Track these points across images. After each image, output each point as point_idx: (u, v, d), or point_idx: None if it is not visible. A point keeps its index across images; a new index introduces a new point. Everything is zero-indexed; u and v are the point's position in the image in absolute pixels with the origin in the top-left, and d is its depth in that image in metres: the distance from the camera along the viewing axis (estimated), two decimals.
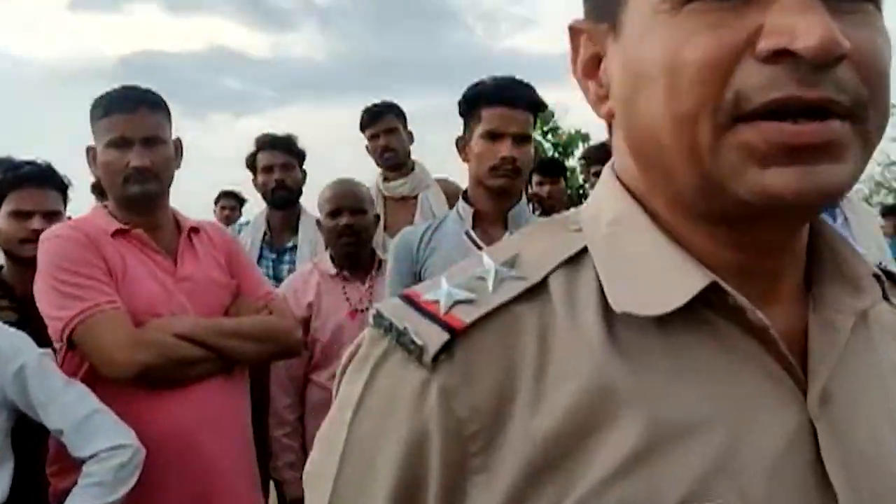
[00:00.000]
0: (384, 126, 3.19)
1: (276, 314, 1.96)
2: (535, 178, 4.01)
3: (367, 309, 2.41)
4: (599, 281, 0.53)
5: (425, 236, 2.06)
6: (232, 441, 1.85)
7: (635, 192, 0.57)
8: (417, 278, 2.03)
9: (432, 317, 0.52)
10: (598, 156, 3.69)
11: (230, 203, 5.39)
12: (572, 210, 0.62)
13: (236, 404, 1.90)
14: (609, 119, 0.57)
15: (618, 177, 0.59)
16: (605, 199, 0.59)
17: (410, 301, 0.54)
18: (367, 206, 2.50)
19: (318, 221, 2.60)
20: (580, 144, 14.88)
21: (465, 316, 0.52)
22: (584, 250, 0.56)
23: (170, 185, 1.93)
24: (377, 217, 2.64)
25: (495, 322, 0.52)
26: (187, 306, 1.84)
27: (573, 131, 15.27)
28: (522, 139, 1.97)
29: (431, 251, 2.03)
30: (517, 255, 0.56)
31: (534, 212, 4.01)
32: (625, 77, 0.53)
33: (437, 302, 0.53)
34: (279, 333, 1.93)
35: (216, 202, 5.50)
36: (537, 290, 0.53)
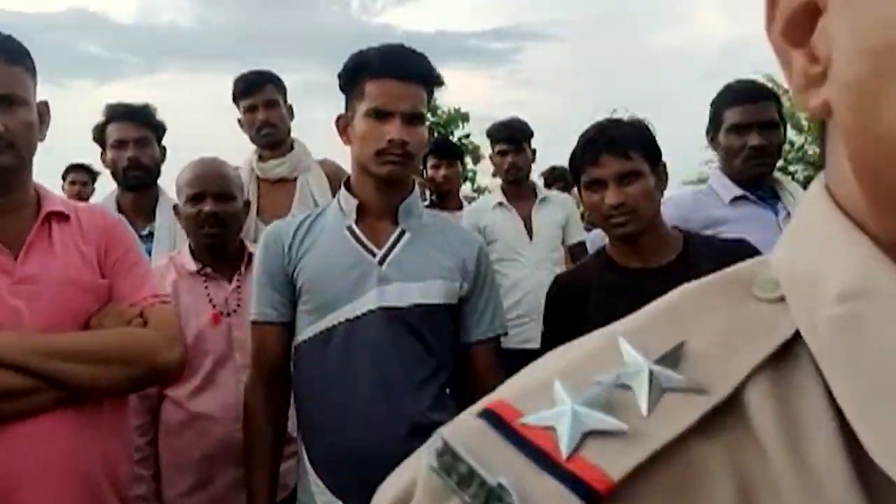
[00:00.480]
0: (263, 98, 2.85)
1: (151, 326, 1.53)
2: (430, 161, 3.73)
3: (234, 312, 2.07)
4: (831, 395, 0.32)
5: (300, 231, 1.73)
6: (75, 492, 1.43)
7: (872, 234, 0.33)
8: (289, 281, 1.70)
9: (548, 462, 0.32)
10: (505, 135, 3.43)
11: (81, 177, 4.77)
12: (755, 260, 0.39)
13: (90, 445, 1.47)
14: (823, 115, 0.34)
15: (840, 206, 0.35)
16: (827, 246, 0.35)
17: (502, 425, 0.34)
18: (236, 191, 2.14)
19: (175, 207, 2.22)
20: (460, 124, 14.52)
21: (610, 464, 0.31)
22: (796, 337, 0.34)
23: (31, 159, 1.51)
24: (247, 204, 2.28)
25: (661, 475, 0.31)
26: (23, 314, 1.42)
27: (452, 110, 14.83)
28: (414, 118, 1.65)
29: (307, 249, 1.70)
30: (682, 344, 0.35)
31: (429, 197, 3.73)
32: (860, 50, 0.31)
33: (549, 430, 0.33)
34: (143, 352, 1.49)
35: (64, 177, 4.84)
36: (726, 411, 0.33)
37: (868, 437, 0.30)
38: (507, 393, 0.36)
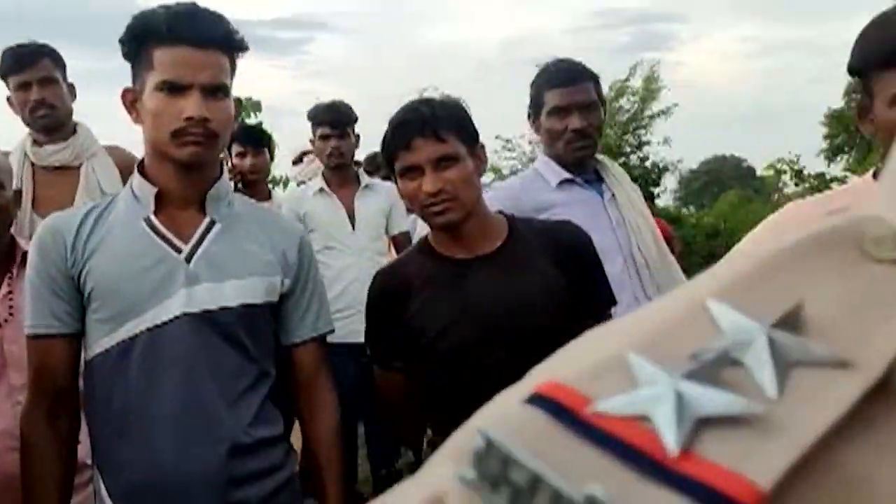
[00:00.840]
0: (38, 73, 2.50)
1: None
2: (235, 149, 3.46)
3: (5, 322, 1.76)
4: None
5: (86, 224, 1.46)
6: None
7: None
8: (75, 285, 1.44)
9: (652, 465, 0.22)
10: (329, 118, 3.27)
11: None
12: (855, 216, 0.29)
13: None
14: None
15: None
16: None
17: (568, 415, 0.23)
18: (4, 179, 1.81)
19: None
20: (252, 114, 14.03)
21: (749, 464, 0.21)
22: None
23: None
24: (18, 194, 1.95)
25: (811, 483, 0.22)
26: None
27: (244, 99, 14.33)
28: (216, 91, 1.42)
29: (96, 246, 1.44)
30: (801, 304, 0.25)
31: (235, 187, 3.47)
32: None
33: (641, 420, 0.22)
34: None
35: None
36: (874, 395, 0.23)
37: None
38: (561, 372, 0.25)
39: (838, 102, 29.62)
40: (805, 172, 10.24)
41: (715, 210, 15.78)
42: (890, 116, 1.23)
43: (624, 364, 0.25)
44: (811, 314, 0.26)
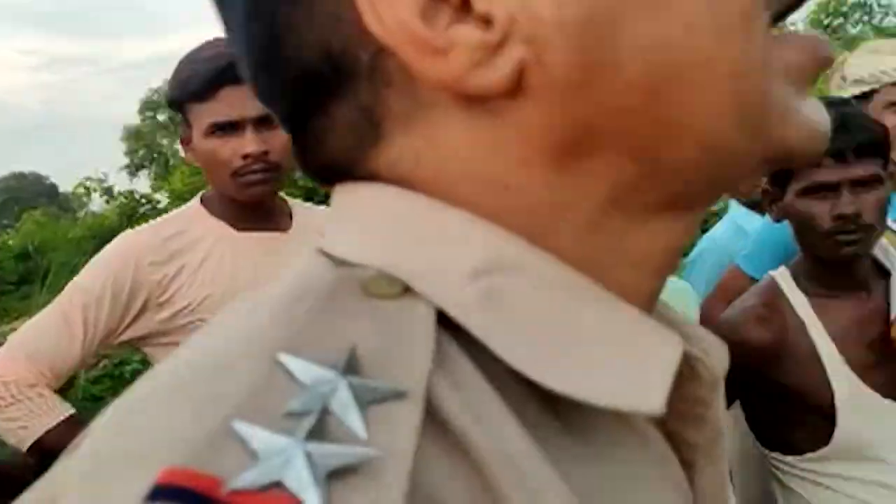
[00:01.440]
0: None
1: None
2: None
3: None
4: (492, 382, 0.29)
5: None
6: None
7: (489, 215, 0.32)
8: None
9: None
10: None
11: None
12: (320, 272, 0.32)
13: None
14: (505, 87, 0.30)
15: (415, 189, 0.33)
16: (435, 233, 0.32)
17: (204, 502, 0.22)
18: None
19: None
20: None
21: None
22: (444, 327, 0.30)
23: None
24: None
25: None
26: None
27: None
28: None
29: None
30: (352, 348, 0.28)
31: None
32: None
33: (278, 488, 0.23)
34: None
35: None
36: (431, 418, 0.27)
37: (555, 381, 0.29)
38: (166, 455, 0.24)
39: (135, 119, 30.70)
40: (115, 190, 10.43)
41: (22, 231, 14.77)
42: (205, 146, 1.37)
43: (235, 435, 0.24)
44: (366, 351, 0.28)
